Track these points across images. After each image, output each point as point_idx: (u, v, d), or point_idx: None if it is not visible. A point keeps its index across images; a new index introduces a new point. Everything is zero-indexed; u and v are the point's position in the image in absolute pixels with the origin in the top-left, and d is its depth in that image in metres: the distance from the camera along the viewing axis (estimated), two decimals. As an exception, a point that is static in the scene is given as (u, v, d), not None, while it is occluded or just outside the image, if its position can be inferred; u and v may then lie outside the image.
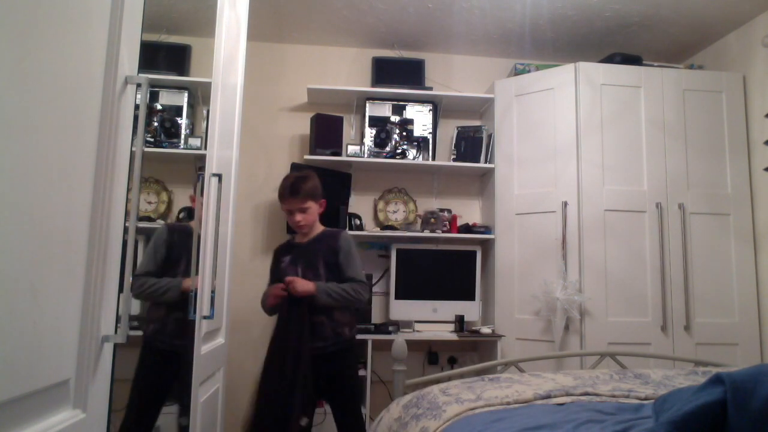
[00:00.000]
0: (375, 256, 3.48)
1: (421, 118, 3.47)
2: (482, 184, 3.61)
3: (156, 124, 3.12)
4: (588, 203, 3.00)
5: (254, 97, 3.49)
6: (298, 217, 2.35)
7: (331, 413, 2.33)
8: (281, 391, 2.13)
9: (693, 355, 2.85)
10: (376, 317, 3.34)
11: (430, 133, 3.47)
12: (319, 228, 2.45)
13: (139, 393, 2.21)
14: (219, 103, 1.95)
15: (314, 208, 2.38)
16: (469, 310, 3.31)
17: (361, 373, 2.99)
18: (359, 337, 2.96)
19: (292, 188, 2.33)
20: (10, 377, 0.71)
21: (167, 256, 2.19)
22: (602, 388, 1.71)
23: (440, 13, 3.17)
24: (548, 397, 1.61)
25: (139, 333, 2.66)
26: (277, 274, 2.40)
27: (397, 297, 3.28)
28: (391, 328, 3.15)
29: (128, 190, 1.06)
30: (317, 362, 2.24)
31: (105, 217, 0.96)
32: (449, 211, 3.43)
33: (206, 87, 1.89)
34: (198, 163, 3.26)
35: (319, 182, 2.42)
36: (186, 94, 3.21)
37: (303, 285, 2.22)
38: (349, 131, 3.53)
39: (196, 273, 1.78)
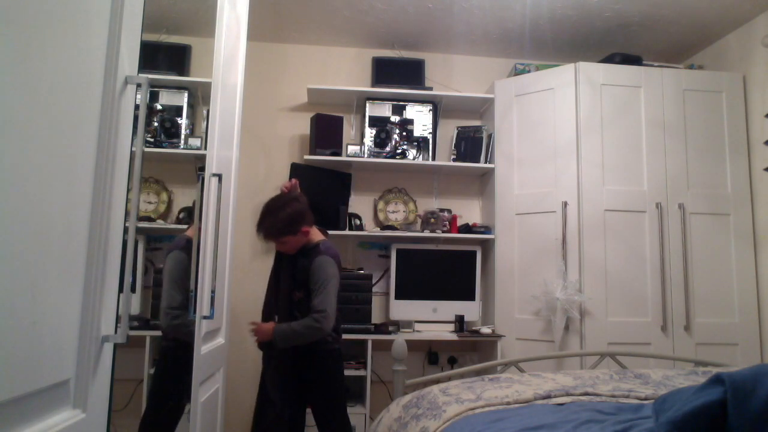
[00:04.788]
0: (375, 256, 3.48)
1: (421, 118, 3.47)
2: (482, 184, 3.61)
3: (156, 124, 3.12)
4: (588, 203, 3.00)
5: (254, 97, 3.49)
6: (278, 247, 2.35)
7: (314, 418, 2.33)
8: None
9: (693, 355, 2.85)
10: (376, 317, 3.34)
11: (430, 133, 3.47)
12: (315, 239, 2.37)
13: (162, 389, 2.23)
14: (219, 103, 1.95)
15: (293, 238, 2.29)
16: (469, 310, 3.31)
17: (361, 373, 2.99)
18: (359, 337, 2.97)
19: (263, 232, 2.27)
20: (10, 377, 0.71)
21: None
22: (602, 388, 1.71)
23: (440, 13, 3.17)
24: (548, 397, 1.61)
25: (139, 333, 2.67)
26: (273, 272, 2.43)
27: (397, 297, 3.28)
28: (391, 328, 3.15)
29: (128, 190, 1.06)
30: (299, 368, 2.28)
31: (105, 217, 0.96)
32: (449, 211, 3.43)
33: (206, 87, 1.89)
34: (198, 163, 3.26)
35: (296, 208, 2.27)
36: (186, 94, 3.21)
37: (264, 334, 2.25)
38: (349, 131, 3.53)
39: (196, 271, 1.78)
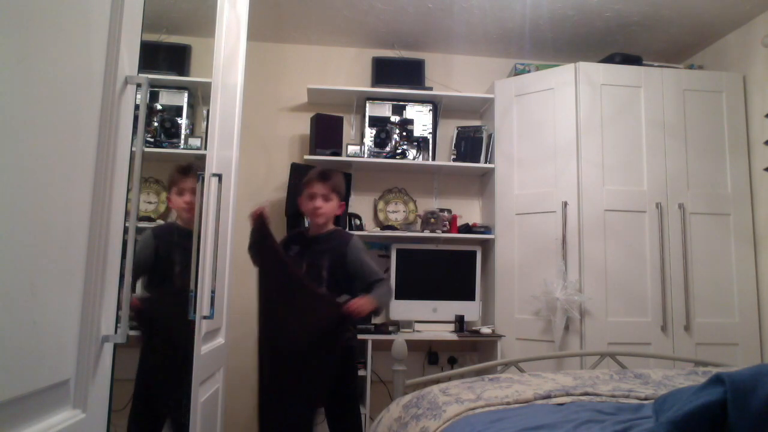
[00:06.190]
0: (375, 256, 3.47)
1: (421, 118, 3.47)
2: (482, 184, 3.61)
3: (156, 124, 3.12)
4: (588, 203, 3.00)
5: (254, 97, 3.49)
6: (319, 202, 2.33)
7: (325, 415, 2.32)
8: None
9: (693, 355, 2.85)
10: (376, 317, 3.34)
11: (430, 133, 3.47)
12: (332, 226, 2.45)
13: (146, 390, 2.22)
14: (219, 103, 1.95)
15: (335, 202, 2.38)
16: (469, 310, 3.30)
17: (361, 373, 2.99)
18: (359, 336, 2.96)
19: (322, 174, 2.38)
20: (10, 377, 0.71)
21: (155, 265, 2.07)
22: (602, 388, 1.71)
23: (440, 13, 3.17)
24: (548, 397, 1.61)
25: (139, 333, 2.66)
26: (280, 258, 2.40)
27: (397, 297, 3.27)
28: (391, 328, 3.15)
29: (128, 190, 1.06)
30: (312, 365, 2.26)
31: (105, 217, 0.96)
32: (449, 211, 3.43)
33: (206, 87, 1.89)
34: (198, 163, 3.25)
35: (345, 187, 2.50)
36: (186, 94, 3.21)
37: (368, 305, 2.22)
38: (349, 131, 3.53)
39: (196, 271, 1.78)
